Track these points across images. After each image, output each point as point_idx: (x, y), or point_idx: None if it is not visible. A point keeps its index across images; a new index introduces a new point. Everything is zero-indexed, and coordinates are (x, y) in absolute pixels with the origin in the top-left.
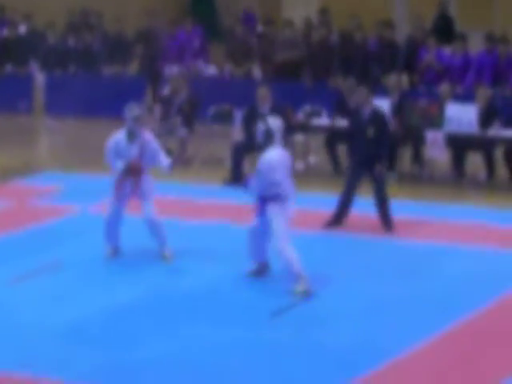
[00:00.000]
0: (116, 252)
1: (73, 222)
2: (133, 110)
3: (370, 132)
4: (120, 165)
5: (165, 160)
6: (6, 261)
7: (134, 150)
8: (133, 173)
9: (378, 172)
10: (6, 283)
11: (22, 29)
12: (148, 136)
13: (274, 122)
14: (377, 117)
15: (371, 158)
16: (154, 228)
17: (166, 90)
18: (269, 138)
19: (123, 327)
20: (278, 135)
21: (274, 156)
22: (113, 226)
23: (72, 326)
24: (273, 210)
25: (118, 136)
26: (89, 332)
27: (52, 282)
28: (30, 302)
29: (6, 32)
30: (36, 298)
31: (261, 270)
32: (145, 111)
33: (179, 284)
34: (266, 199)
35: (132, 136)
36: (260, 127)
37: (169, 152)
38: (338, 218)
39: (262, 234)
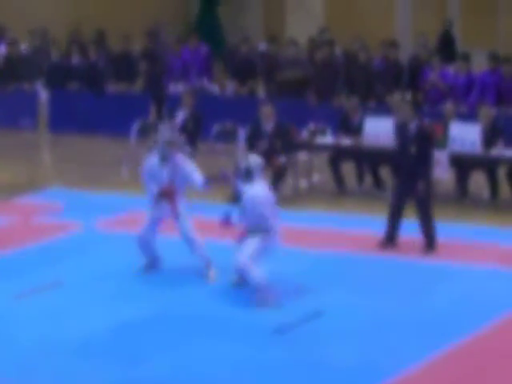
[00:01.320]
0: (151, 266)
1: (77, 239)
2: (165, 134)
3: (413, 148)
4: (153, 188)
5: (199, 179)
6: (11, 277)
7: (165, 174)
8: (166, 196)
9: (421, 190)
10: (10, 299)
11: (23, 47)
12: (180, 159)
13: (254, 160)
14: (422, 133)
15: (413, 175)
16: (193, 246)
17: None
18: (248, 175)
19: (127, 344)
20: (257, 171)
21: (258, 191)
22: (145, 243)
23: (75, 342)
24: (254, 237)
25: (152, 159)
26: (93, 349)
27: (56, 299)
28: (34, 318)
29: (8, 49)
30: (40, 315)
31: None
32: (177, 134)
33: (183, 301)
34: (251, 229)
35: (164, 159)
36: (240, 165)
37: None
38: (390, 238)
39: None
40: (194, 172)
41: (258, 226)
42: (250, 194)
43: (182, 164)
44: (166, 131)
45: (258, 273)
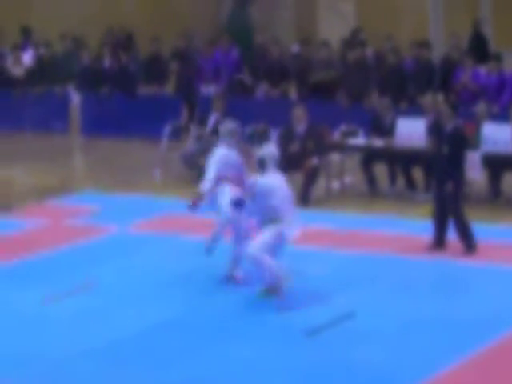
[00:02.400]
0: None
1: (110, 242)
2: (227, 125)
3: (446, 149)
4: (208, 185)
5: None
6: (44, 279)
7: (233, 162)
8: (236, 183)
9: (450, 191)
10: (42, 302)
11: (42, 51)
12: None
13: (269, 150)
14: (456, 134)
15: (445, 175)
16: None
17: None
18: (261, 165)
19: (158, 347)
20: (271, 162)
21: (269, 181)
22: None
23: (106, 346)
24: (267, 229)
25: (220, 151)
26: (123, 352)
27: (89, 301)
28: (67, 321)
29: (41, 52)
30: (73, 318)
31: (274, 288)
32: (239, 126)
33: (213, 303)
34: (264, 222)
35: (230, 149)
36: (256, 155)
37: (202, 169)
38: (439, 241)
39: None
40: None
41: (268, 218)
42: (260, 183)
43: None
44: (229, 122)
45: (271, 263)
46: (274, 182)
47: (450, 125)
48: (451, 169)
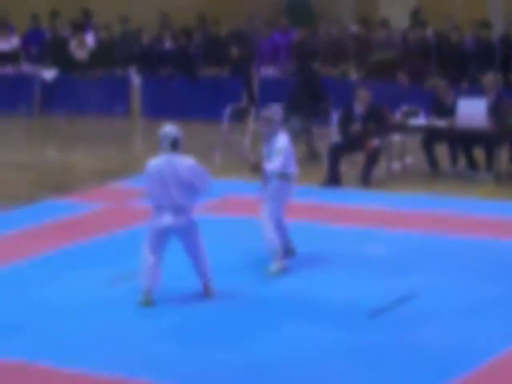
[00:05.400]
0: (287, 253)
1: None
2: (266, 111)
3: None
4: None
5: (271, 164)
6: (106, 262)
7: (265, 151)
8: (260, 174)
9: None
10: (105, 284)
11: (102, 33)
12: (280, 138)
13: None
14: None
15: None
16: (263, 232)
17: None
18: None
19: (223, 328)
20: (164, 141)
21: (153, 163)
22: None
23: (168, 327)
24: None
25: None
26: (186, 333)
27: None
28: (126, 304)
29: (101, 35)
30: (133, 300)
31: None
32: (281, 112)
33: (275, 285)
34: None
35: (265, 137)
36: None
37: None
38: None
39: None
40: (277, 156)
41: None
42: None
43: (277, 142)
44: (268, 108)
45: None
46: (156, 164)
47: None
48: None
